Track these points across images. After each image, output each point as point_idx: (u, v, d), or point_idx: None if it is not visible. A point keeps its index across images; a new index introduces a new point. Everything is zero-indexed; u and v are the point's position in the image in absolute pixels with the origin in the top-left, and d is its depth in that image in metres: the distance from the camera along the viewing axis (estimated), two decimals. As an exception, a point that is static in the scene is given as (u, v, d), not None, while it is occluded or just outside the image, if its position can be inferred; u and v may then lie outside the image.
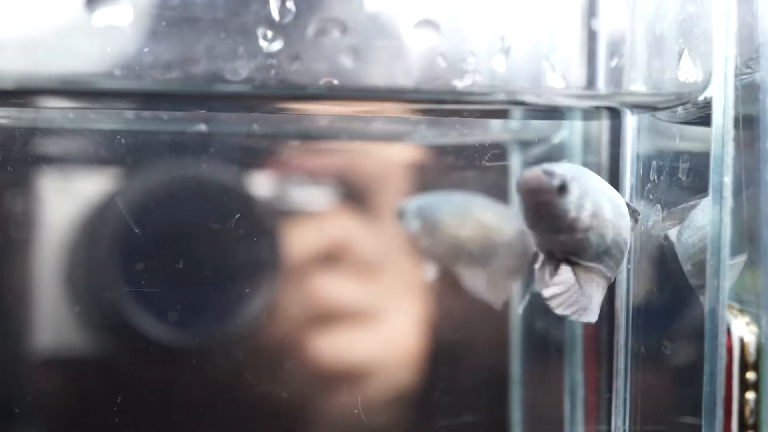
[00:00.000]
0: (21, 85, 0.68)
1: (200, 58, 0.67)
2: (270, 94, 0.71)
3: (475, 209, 0.91)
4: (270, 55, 0.67)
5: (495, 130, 0.96)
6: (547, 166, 0.65)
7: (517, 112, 0.85)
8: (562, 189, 0.64)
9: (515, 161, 0.96)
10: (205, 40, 0.67)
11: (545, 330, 0.94)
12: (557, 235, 0.66)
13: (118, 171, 0.91)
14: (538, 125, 0.94)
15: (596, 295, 0.66)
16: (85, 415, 0.92)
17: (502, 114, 0.85)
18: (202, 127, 0.90)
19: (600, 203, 0.66)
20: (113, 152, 0.91)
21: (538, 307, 0.91)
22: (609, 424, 0.79)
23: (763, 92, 0.63)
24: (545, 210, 0.65)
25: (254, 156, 0.94)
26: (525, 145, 0.95)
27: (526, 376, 0.96)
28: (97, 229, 0.91)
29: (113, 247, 0.90)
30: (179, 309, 0.90)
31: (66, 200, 0.92)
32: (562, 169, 0.65)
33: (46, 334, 0.92)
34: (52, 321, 0.92)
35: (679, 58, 0.72)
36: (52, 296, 0.91)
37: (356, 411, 0.91)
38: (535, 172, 0.64)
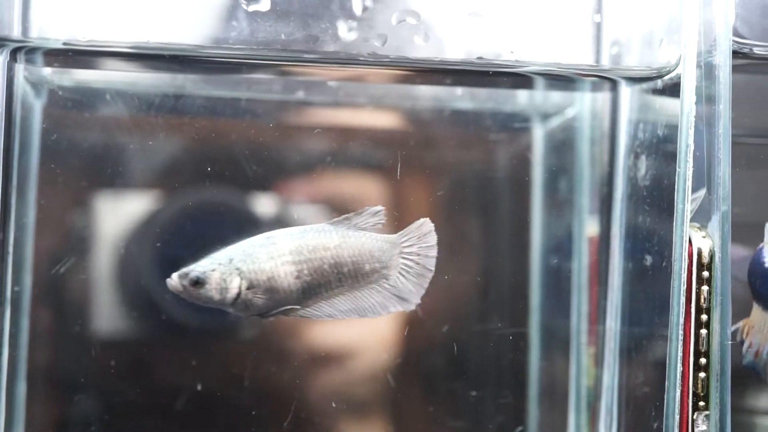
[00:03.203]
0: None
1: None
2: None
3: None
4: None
5: (521, 103, 1.20)
6: (186, 268, 0.80)
7: (540, 83, 1.11)
8: (198, 283, 0.79)
9: (538, 131, 1.20)
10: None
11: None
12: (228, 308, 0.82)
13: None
14: (556, 100, 1.18)
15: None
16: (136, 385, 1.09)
17: (529, 84, 1.11)
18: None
19: (253, 277, 0.81)
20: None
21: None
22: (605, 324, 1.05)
23: (716, 68, 0.88)
24: (199, 300, 0.80)
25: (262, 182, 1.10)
26: (545, 117, 1.19)
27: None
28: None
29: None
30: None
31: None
32: (207, 266, 0.80)
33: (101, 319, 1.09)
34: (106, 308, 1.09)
35: (660, 46, 0.97)
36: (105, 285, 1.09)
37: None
38: (173, 279, 0.80)
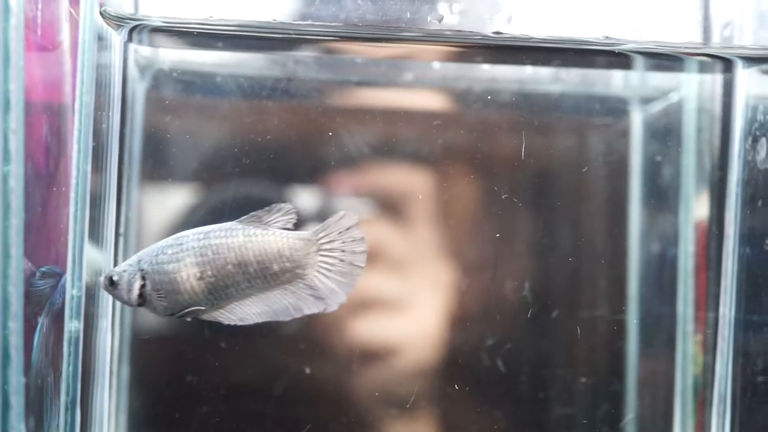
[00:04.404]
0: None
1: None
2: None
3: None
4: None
5: (617, 85, 1.18)
6: (111, 270, 0.84)
7: (640, 64, 1.08)
8: (112, 283, 0.82)
9: (636, 117, 1.18)
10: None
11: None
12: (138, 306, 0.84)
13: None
14: (658, 83, 1.15)
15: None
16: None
17: (627, 65, 1.09)
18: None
19: (157, 278, 0.82)
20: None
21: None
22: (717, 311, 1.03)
23: None
24: (119, 299, 0.84)
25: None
26: (645, 101, 1.17)
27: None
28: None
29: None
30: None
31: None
32: (122, 267, 0.83)
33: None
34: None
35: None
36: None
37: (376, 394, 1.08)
38: (101, 278, 0.84)
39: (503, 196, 1.07)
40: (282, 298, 0.82)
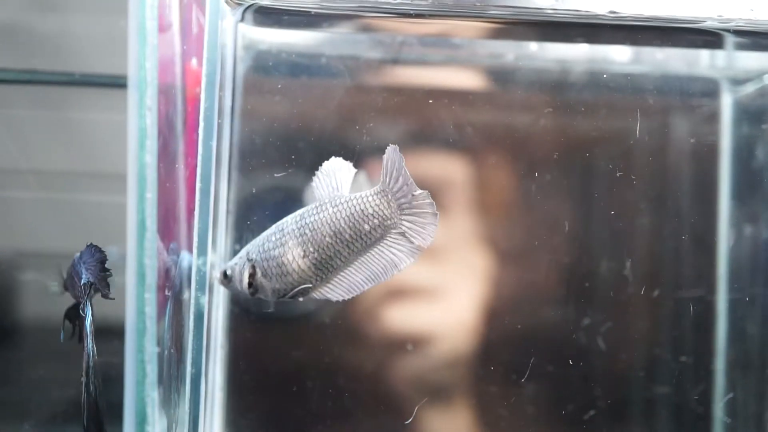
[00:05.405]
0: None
1: None
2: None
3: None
4: None
5: (703, 65, 1.15)
6: (225, 264, 0.90)
7: (729, 42, 1.08)
8: (226, 277, 0.89)
9: (726, 100, 1.17)
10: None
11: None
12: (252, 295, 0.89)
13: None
14: (750, 65, 1.14)
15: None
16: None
17: (713, 44, 1.08)
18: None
19: (265, 265, 0.87)
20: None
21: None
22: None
23: None
24: (234, 292, 0.90)
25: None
26: (738, 83, 1.16)
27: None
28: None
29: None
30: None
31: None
32: (233, 261, 0.89)
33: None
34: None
35: None
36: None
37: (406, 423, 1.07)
38: (216, 275, 0.91)
39: (618, 174, 1.08)
40: (380, 258, 0.86)
